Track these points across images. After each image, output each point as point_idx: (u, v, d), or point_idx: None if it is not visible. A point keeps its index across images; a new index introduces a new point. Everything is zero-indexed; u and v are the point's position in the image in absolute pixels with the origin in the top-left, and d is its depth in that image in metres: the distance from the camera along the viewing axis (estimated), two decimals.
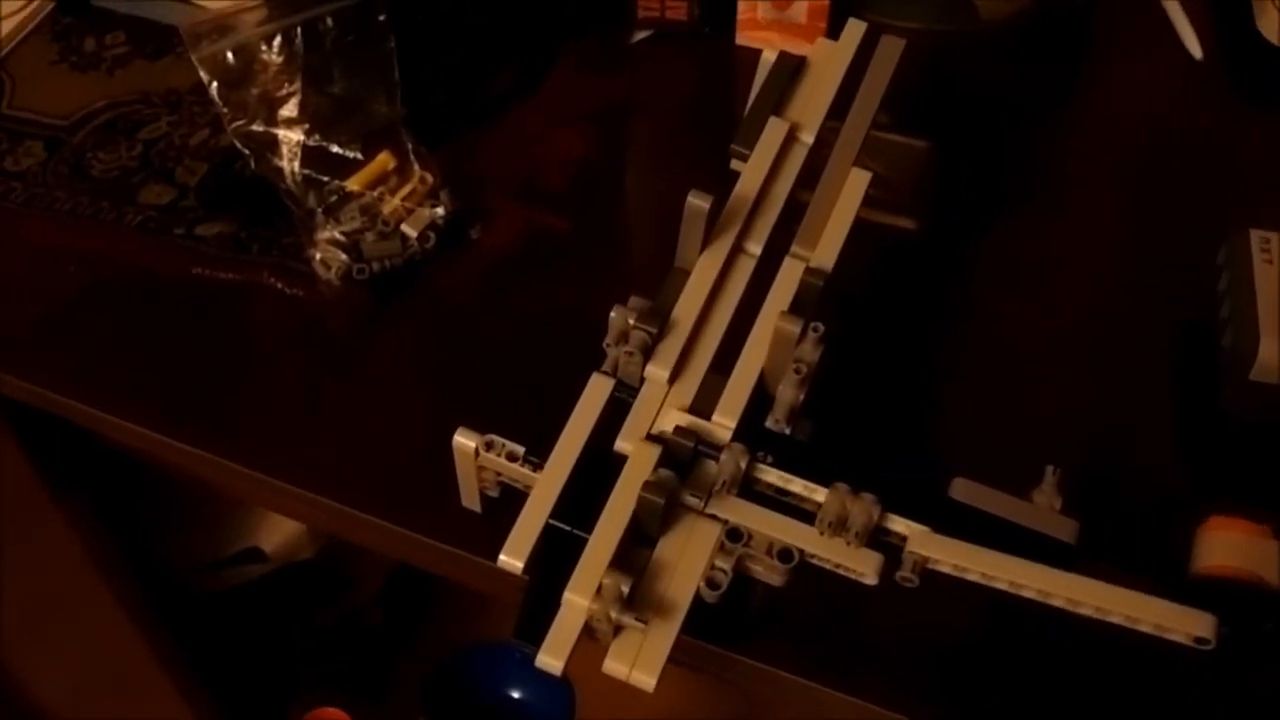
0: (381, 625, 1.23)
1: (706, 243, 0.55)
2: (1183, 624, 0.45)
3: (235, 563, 1.01)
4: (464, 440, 0.51)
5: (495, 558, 0.48)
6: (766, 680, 0.52)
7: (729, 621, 0.52)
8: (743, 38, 0.79)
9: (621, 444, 0.50)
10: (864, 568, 0.47)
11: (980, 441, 0.58)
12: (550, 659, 0.45)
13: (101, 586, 0.89)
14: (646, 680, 0.46)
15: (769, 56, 0.62)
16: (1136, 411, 0.60)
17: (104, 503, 0.87)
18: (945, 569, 0.47)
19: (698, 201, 0.53)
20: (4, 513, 0.85)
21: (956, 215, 0.68)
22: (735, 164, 0.59)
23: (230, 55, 0.67)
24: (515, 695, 0.72)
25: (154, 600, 0.94)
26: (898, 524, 0.48)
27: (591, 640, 0.47)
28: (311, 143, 0.68)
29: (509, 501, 0.51)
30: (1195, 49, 0.76)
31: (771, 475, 0.49)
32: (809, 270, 0.54)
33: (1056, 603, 0.46)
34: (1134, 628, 0.46)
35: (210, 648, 0.99)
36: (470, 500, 0.55)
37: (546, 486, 0.49)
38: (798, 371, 0.50)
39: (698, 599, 0.48)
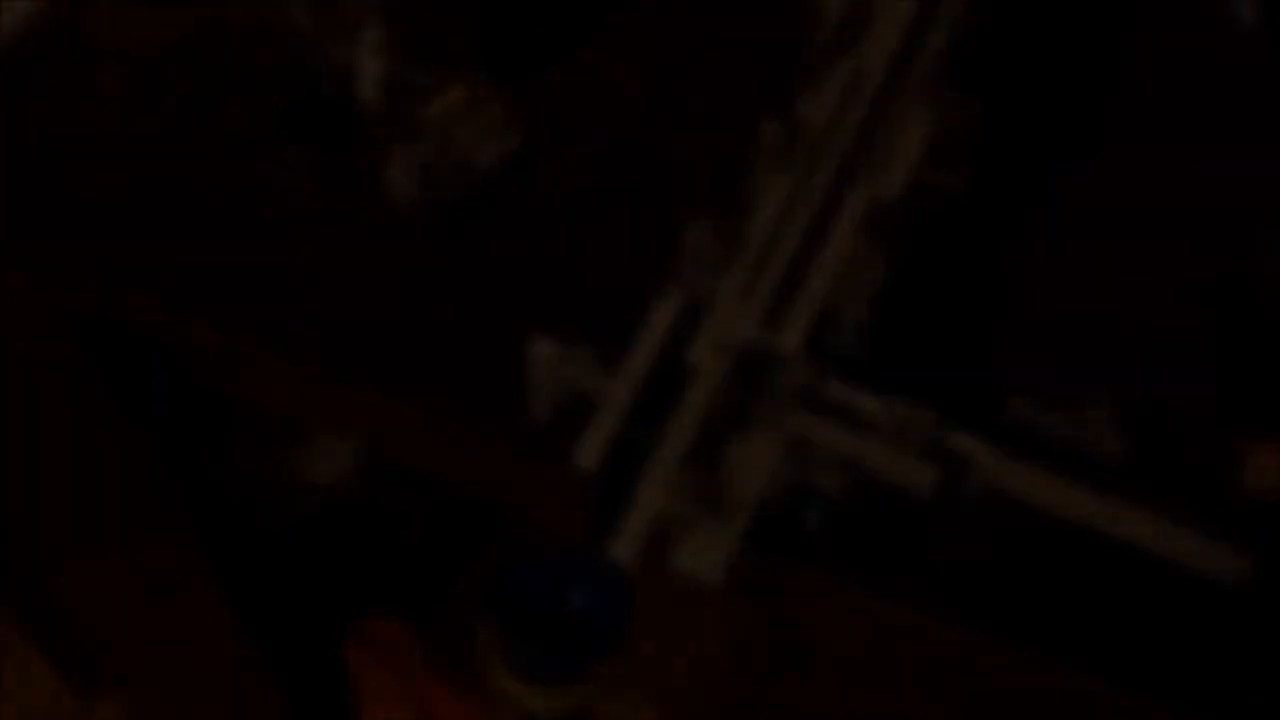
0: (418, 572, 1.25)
1: (777, 170, 0.57)
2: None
3: (283, 494, 1.04)
4: (539, 347, 0.53)
5: (563, 470, 0.50)
6: (823, 590, 0.54)
7: (789, 535, 0.54)
8: None
9: (692, 355, 0.53)
10: (920, 480, 0.50)
11: (1032, 369, 0.60)
12: (621, 549, 0.48)
13: (155, 509, 0.91)
14: (713, 575, 0.48)
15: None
16: (1182, 354, 0.62)
17: (160, 427, 0.89)
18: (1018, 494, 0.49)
19: (771, 129, 0.55)
20: (66, 427, 0.88)
21: (1004, 167, 0.70)
22: (803, 101, 0.61)
23: None
24: (576, 602, 0.75)
25: (203, 527, 0.96)
26: (976, 450, 0.50)
27: (658, 545, 0.49)
28: (390, 70, 0.70)
29: (578, 414, 0.53)
30: (1245, 9, 0.77)
31: (834, 388, 0.52)
32: (875, 199, 0.56)
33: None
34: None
35: (257, 578, 1.02)
36: (540, 410, 0.57)
37: (619, 391, 0.51)
38: (863, 290, 0.52)
39: (761, 504, 0.50)
